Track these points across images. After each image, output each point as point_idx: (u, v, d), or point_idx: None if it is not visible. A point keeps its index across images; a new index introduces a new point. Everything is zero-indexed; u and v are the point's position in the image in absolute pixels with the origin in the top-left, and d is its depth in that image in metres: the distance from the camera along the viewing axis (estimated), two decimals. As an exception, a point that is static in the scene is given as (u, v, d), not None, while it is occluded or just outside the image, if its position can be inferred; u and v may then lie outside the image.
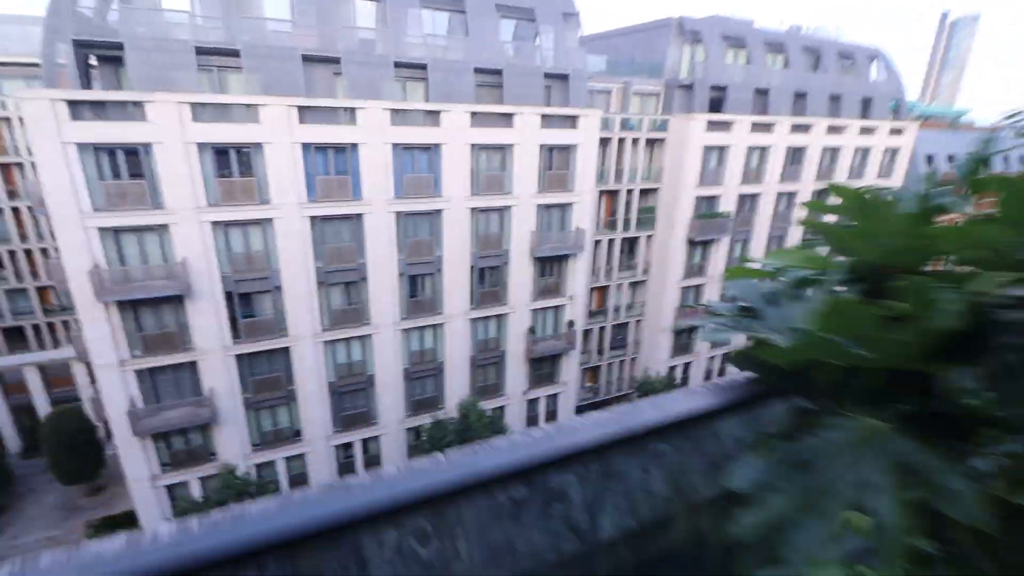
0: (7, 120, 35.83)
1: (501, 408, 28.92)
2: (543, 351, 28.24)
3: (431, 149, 22.87)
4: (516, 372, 28.64)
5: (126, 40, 18.35)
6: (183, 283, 19.97)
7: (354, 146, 21.39)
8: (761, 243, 35.37)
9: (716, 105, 31.92)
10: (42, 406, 34.00)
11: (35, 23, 33.40)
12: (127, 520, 27.03)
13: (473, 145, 23.44)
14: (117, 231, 19.15)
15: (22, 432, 34.53)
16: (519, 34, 26.03)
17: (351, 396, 25.34)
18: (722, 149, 31.38)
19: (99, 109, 17.99)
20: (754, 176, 33.15)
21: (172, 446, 22.51)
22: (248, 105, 19.55)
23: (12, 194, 37.07)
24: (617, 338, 35.66)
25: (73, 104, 17.48)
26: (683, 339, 35.38)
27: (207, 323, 21.18)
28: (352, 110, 21.00)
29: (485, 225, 25.38)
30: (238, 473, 20.41)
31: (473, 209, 24.51)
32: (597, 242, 32.33)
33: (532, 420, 30.55)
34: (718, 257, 33.92)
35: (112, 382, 20.32)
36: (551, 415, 31.09)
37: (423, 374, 26.53)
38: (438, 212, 23.86)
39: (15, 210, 37.46)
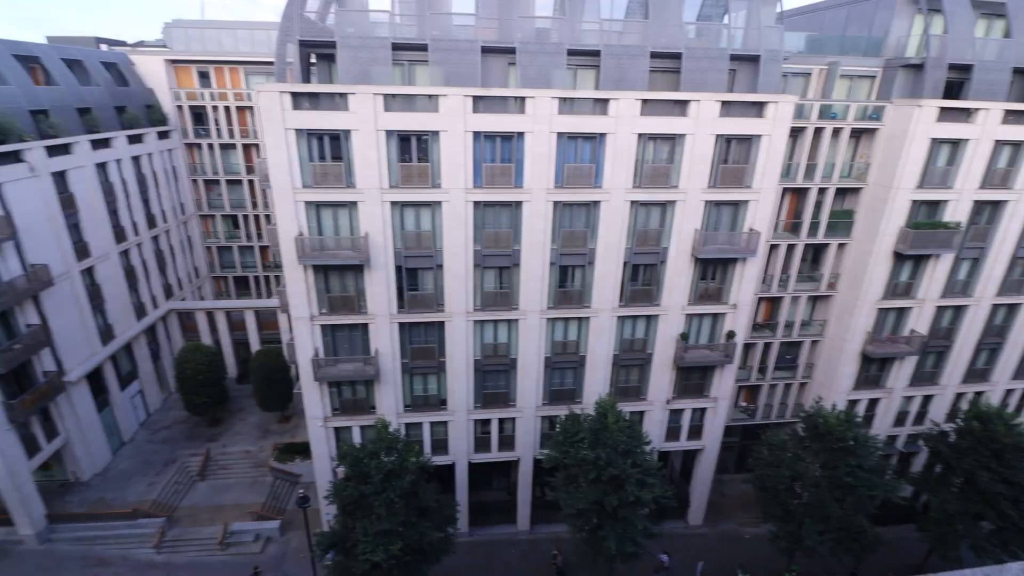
0: (251, 109, 43.99)
1: (641, 413, 27.53)
2: (694, 360, 26.04)
3: (595, 138, 22.20)
4: (661, 378, 26.92)
5: (338, 39, 20.86)
6: (364, 254, 22.42)
7: (520, 135, 21.68)
8: (1001, 264, 28.01)
9: (953, 90, 25.76)
10: (254, 343, 41.66)
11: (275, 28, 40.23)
12: (303, 449, 31.87)
13: (640, 135, 22.18)
14: (318, 205, 22.13)
15: (238, 362, 42.78)
16: (704, 13, 23.78)
17: (493, 376, 26.26)
18: (956, 144, 25.32)
19: (314, 100, 20.81)
20: (1000, 179, 26.20)
21: (342, 394, 25.71)
22: (430, 96, 20.95)
23: (250, 169, 45.64)
24: (785, 357, 31.45)
25: (295, 95, 20.46)
26: (873, 370, 29.82)
27: (379, 292, 23.56)
28: (522, 99, 21.26)
29: (645, 220, 24.01)
30: (390, 428, 22.53)
31: (633, 202, 23.32)
32: (773, 247, 28.65)
33: (673, 432, 28.55)
34: (935, 277, 27.70)
35: (303, 332, 23.78)
36: (695, 431, 28.72)
37: (564, 365, 26.36)
38: (596, 204, 23.17)
39: (251, 183, 46.13)
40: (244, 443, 35.86)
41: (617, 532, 21.14)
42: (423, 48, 21.36)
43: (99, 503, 30.01)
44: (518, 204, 22.84)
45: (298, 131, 20.83)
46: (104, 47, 42.59)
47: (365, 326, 24.33)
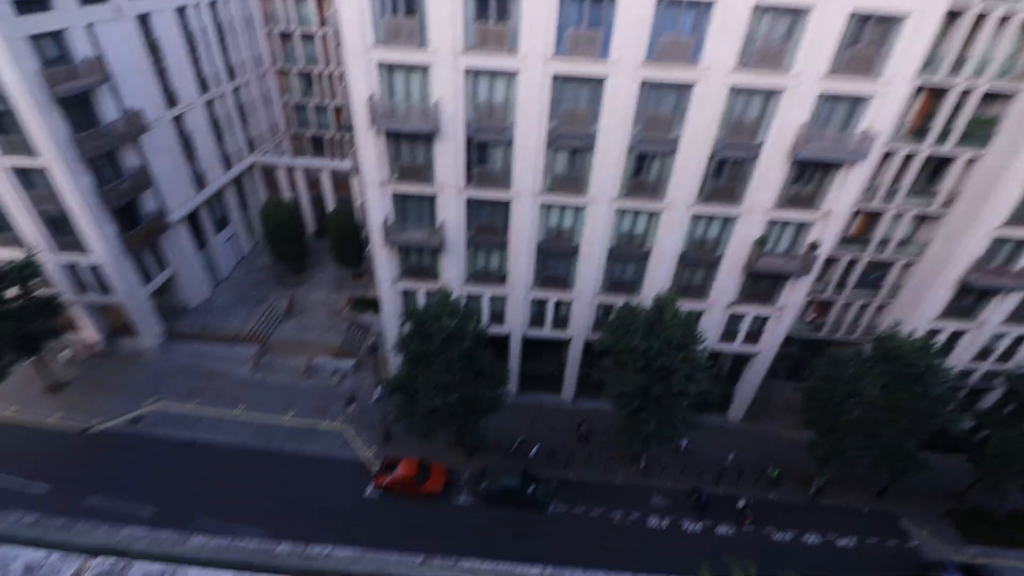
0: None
1: (700, 312, 27.27)
2: (767, 267, 24.78)
3: (700, 6, 19.09)
4: (727, 281, 26.06)
5: None
6: (435, 123, 21.80)
7: (614, -7, 18.97)
8: None
9: None
10: (329, 202, 43.60)
11: None
12: (373, 304, 34.72)
13: (757, 7, 18.80)
14: (391, 67, 21.19)
15: (316, 218, 45.34)
16: None
17: (554, 259, 26.42)
18: None
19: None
20: None
21: (409, 260, 27.02)
22: (516, -62, 18.33)
23: (323, 22, 43.74)
24: (870, 276, 29.25)
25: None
26: (967, 301, 27.32)
27: (448, 163, 23.29)
28: (622, -53, 18.22)
29: (743, 108, 21.39)
30: (453, 297, 23.87)
31: (733, 88, 20.61)
32: (887, 154, 25.12)
33: (729, 335, 28.33)
34: (1082, 206, 23.70)
35: (374, 197, 24.44)
36: (753, 336, 28.33)
37: (627, 257, 25.95)
38: (689, 86, 20.70)
39: (324, 38, 44.48)
40: (322, 292, 39.42)
41: (657, 417, 22.42)
42: None
43: (204, 328, 34.90)
44: (600, 81, 20.82)
45: (372, -21, 19.23)
46: None
47: (433, 197, 24.56)
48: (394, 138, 23.00)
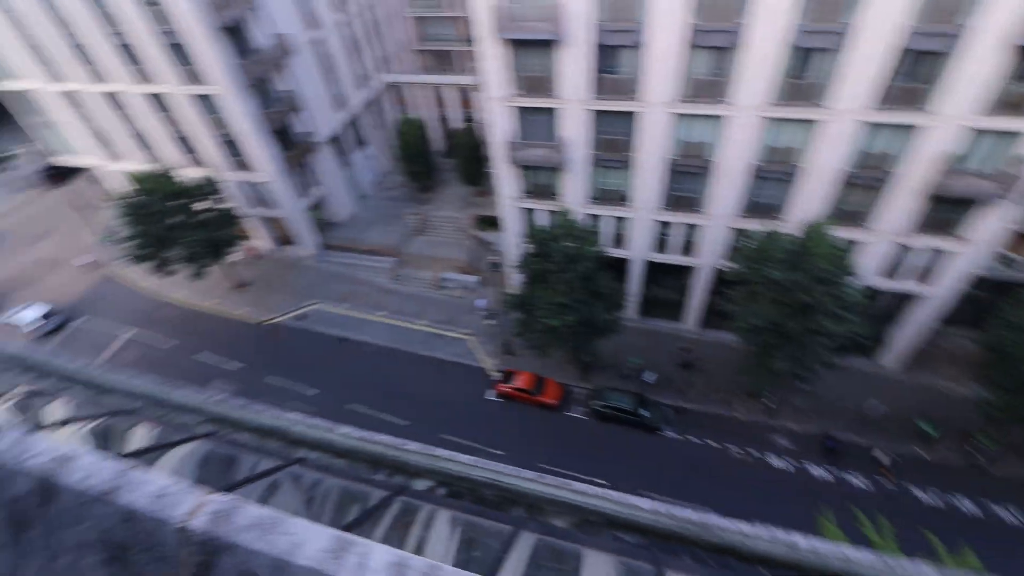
0: None
1: (858, 243, 23.58)
2: (956, 190, 20.23)
3: None
4: (901, 205, 21.91)
5: None
6: (559, 26, 20.25)
7: None
8: None
9: None
10: (456, 120, 44.00)
11: None
12: (496, 222, 35.49)
13: None
14: (513, -35, 19.69)
15: (445, 136, 46.32)
16: None
17: (685, 177, 24.25)
18: None
19: None
20: None
21: (530, 178, 26.72)
22: None
23: (448, -82, 41.52)
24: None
25: None
26: None
27: (572, 72, 21.80)
28: None
29: (955, -22, 16.52)
30: (574, 217, 23.41)
31: (946, -53, 15.86)
32: None
33: (893, 271, 24.30)
34: None
35: (497, 113, 24.05)
36: (924, 274, 23.97)
37: (772, 176, 22.88)
38: (881, -49, 16.35)
39: (450, -65, 42.44)
40: (449, 210, 41.16)
41: (791, 354, 20.62)
42: None
43: (351, 240, 38.85)
44: (760, -44, 17.32)
45: None
46: None
47: (556, 111, 23.46)
48: (516, 46, 21.92)
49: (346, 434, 5.63)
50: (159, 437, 5.60)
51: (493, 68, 22.56)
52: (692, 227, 25.93)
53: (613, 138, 23.80)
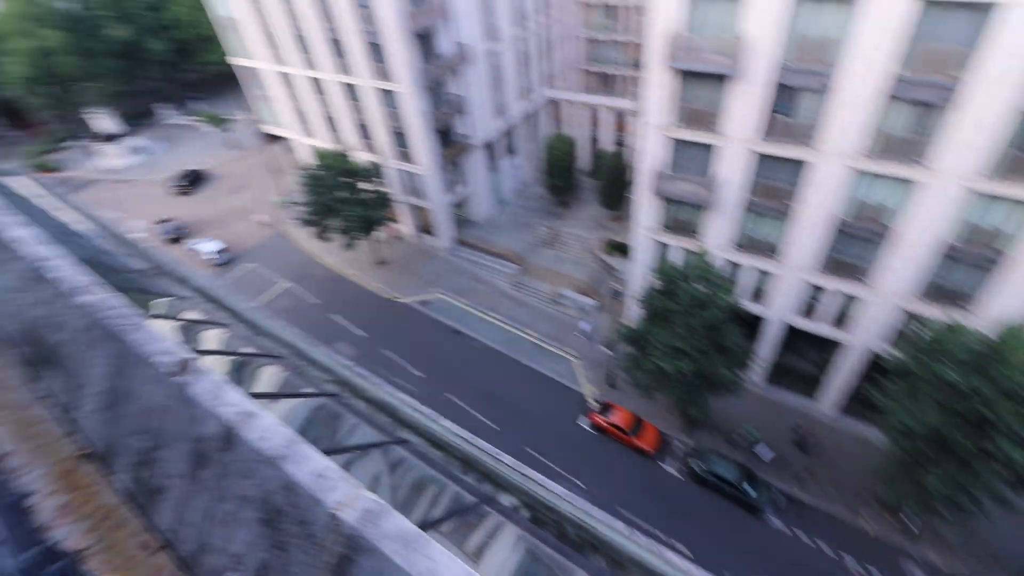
0: None
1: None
2: None
3: None
4: None
5: None
6: (735, 61, 19.14)
7: None
8: None
9: None
10: (607, 141, 43.91)
11: None
12: (625, 249, 34.63)
13: None
14: (701, -6, 19.07)
15: (592, 156, 46.46)
16: None
17: (853, 241, 21.42)
18: None
19: None
20: None
21: (672, 212, 25.58)
22: None
23: (642, -55, 41.78)
24: None
25: None
26: None
27: (742, 110, 20.47)
28: None
29: None
30: (711, 260, 21.85)
31: None
32: None
33: None
34: None
35: (651, 140, 23.42)
36: None
37: (968, 258, 19.25)
38: None
39: (640, -38, 42.68)
40: (581, 229, 41.10)
41: (952, 475, 17.03)
42: None
43: (482, 241, 40.59)
44: (987, 6, 14.72)
45: None
46: None
47: (714, 148, 22.17)
48: (686, 77, 21.15)
49: (449, 428, 5.69)
50: (288, 383, 6.15)
51: (656, 95, 22.02)
52: (851, 298, 22.78)
53: (774, 184, 21.85)
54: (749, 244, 24.14)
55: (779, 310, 24.97)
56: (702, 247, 24.29)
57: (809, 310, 24.31)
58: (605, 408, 27.25)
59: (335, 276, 39.04)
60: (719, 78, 20.35)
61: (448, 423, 5.85)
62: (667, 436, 26.66)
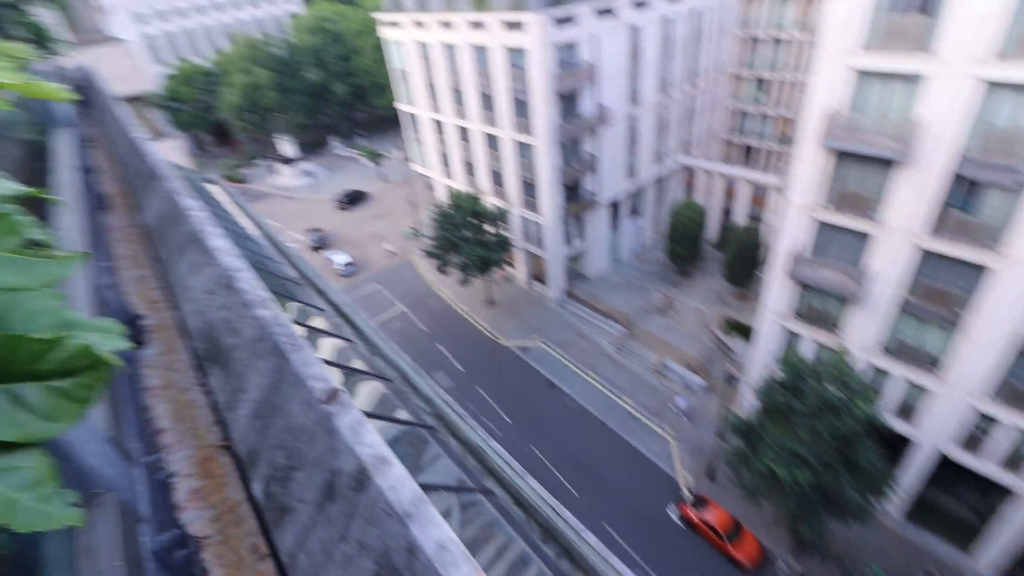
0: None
1: None
2: None
3: None
4: None
5: None
6: (906, 148, 17.31)
7: None
8: None
9: None
10: (739, 214, 41.81)
11: None
12: (746, 331, 31.97)
13: None
14: (870, 75, 17.76)
15: (720, 227, 44.43)
16: None
17: (1044, 368, 17.63)
18: None
19: (933, -81, 15.26)
20: None
21: (809, 300, 23.24)
22: None
23: (803, 26, 40.57)
24: None
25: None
26: None
27: (908, 199, 18.30)
28: None
29: None
30: (850, 362, 19.25)
31: None
32: None
33: None
34: None
35: (793, 220, 21.77)
36: None
37: None
38: None
39: (794, 42, 41.35)
40: (699, 301, 38.97)
41: None
42: None
43: (592, 297, 40.17)
44: None
45: (889, -29, 16.21)
46: None
47: (869, 236, 19.96)
48: (842, 158, 19.55)
49: (535, 489, 5.40)
50: (387, 403, 6.31)
51: (805, 173, 20.57)
52: (1033, 437, 18.59)
53: (940, 287, 18.95)
54: (901, 351, 20.97)
55: (932, 435, 21.09)
56: (841, 344, 21.62)
57: (973, 442, 20.21)
58: (700, 502, 24.61)
59: (447, 308, 40.90)
60: (882, 162, 18.53)
61: (536, 483, 5.54)
62: (770, 552, 23.23)
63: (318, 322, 7.27)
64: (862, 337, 21.58)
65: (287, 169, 66.11)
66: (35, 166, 3.48)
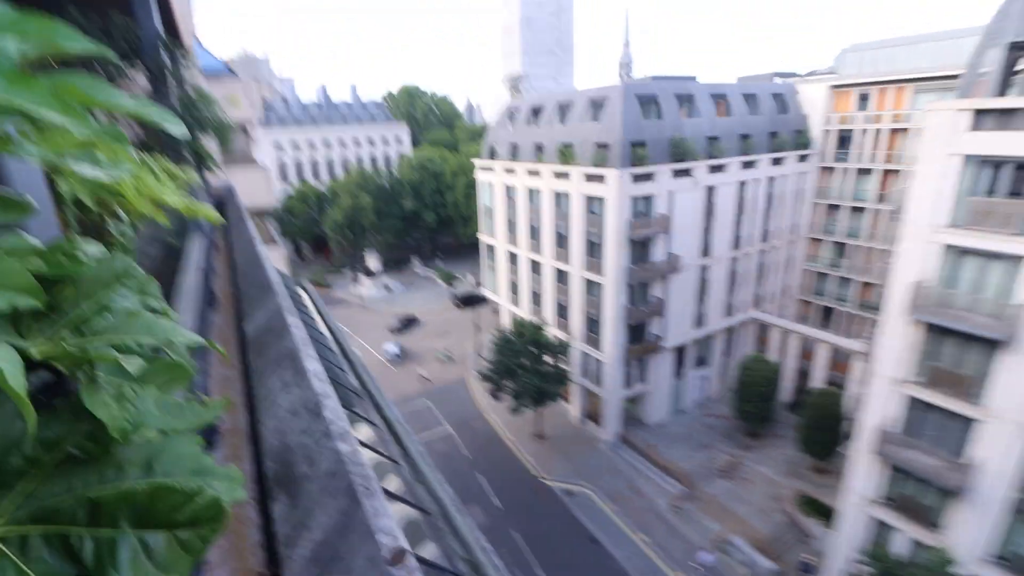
0: (906, 130, 38.83)
1: None
2: None
3: None
4: None
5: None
6: (1011, 329, 16.03)
7: None
8: None
9: None
10: (817, 378, 39.06)
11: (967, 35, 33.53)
12: (827, 512, 27.93)
13: None
14: (962, 251, 17.26)
15: (795, 390, 41.45)
16: None
17: None
18: None
19: (1005, 117, 15.76)
20: None
21: (900, 485, 20.35)
22: None
23: (881, 197, 41.13)
24: None
25: (978, 113, 16.12)
26: None
27: (1017, 384, 16.45)
28: None
29: None
30: (952, 564, 15.99)
31: None
32: None
33: None
34: None
35: (880, 393, 20.01)
36: None
37: None
38: None
39: (876, 212, 41.67)
40: (771, 470, 35.19)
41: None
42: None
43: (648, 446, 37.47)
44: None
45: (968, 156, 16.54)
46: (778, 79, 47.85)
47: (973, 421, 17.79)
48: (936, 332, 18.32)
49: None
50: (419, 541, 5.89)
51: (893, 345, 19.32)
52: None
53: (1074, 495, 16.06)
54: (1019, 562, 17.33)
55: None
56: (942, 545, 18.29)
57: None
58: None
59: (493, 435, 39.54)
60: (983, 341, 17.13)
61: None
62: None
63: (369, 437, 7.24)
64: (968, 539, 18.19)
65: (368, 280, 71.42)
66: (170, 264, 4.00)
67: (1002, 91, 17.84)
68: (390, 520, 1.50)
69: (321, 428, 1.95)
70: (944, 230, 17.41)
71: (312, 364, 2.52)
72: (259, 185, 15.45)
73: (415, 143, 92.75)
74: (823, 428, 32.62)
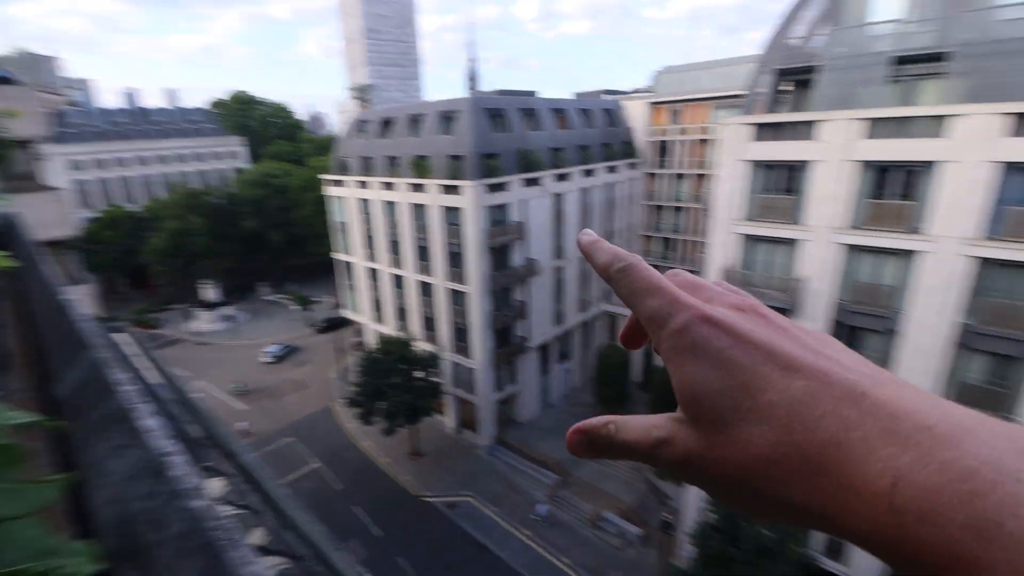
0: (710, 141, 46.16)
1: None
2: None
3: None
4: None
5: (825, 61, 18.89)
6: (794, 300, 19.95)
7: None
8: None
9: None
10: (661, 359, 44.23)
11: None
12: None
13: None
14: (754, 239, 21.02)
15: (644, 370, 46.45)
16: None
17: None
18: None
19: (776, 130, 19.67)
20: None
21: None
22: (935, 117, 16.30)
23: (696, 198, 48.24)
24: None
25: (759, 127, 19.86)
26: None
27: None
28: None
29: None
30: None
31: None
32: None
33: None
34: None
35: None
36: None
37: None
38: None
39: (692, 210, 48.75)
40: (630, 445, 38.92)
41: None
42: (937, 58, 16.81)
43: (524, 444, 38.95)
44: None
45: (754, 163, 20.22)
46: (605, 96, 53.49)
47: (775, 379, 21.75)
48: (742, 309, 22.04)
49: None
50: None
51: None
52: None
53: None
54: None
55: (863, 571, 20.97)
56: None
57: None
58: None
59: (367, 462, 37.75)
60: (779, 311, 21.04)
61: None
62: None
63: (225, 489, 6.59)
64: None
65: (205, 314, 63.21)
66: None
67: (772, 108, 22.23)
68: (260, 567, 1.45)
69: (167, 489, 1.77)
70: (741, 223, 21.08)
71: (148, 420, 2.23)
72: (50, 212, 12.89)
73: (255, 157, 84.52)
74: (669, 401, 36.80)
